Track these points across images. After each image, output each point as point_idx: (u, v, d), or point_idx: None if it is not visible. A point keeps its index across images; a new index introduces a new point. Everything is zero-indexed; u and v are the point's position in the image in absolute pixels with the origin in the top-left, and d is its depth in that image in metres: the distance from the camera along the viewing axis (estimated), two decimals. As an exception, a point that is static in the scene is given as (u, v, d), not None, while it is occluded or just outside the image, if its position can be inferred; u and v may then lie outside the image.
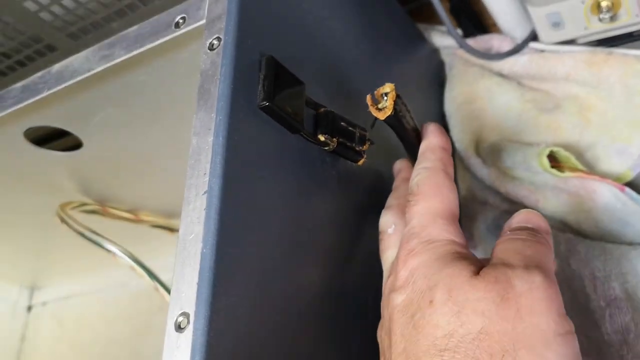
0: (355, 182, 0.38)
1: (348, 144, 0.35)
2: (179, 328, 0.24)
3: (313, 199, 0.33)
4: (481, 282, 0.27)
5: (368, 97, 0.33)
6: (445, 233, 0.31)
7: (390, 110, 0.33)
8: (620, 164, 0.48)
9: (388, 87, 0.33)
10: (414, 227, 0.31)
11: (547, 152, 0.46)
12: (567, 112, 0.51)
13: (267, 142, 0.30)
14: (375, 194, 0.39)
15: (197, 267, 0.25)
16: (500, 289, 0.26)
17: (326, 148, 0.34)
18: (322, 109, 0.35)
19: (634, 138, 0.48)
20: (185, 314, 0.25)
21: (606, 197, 0.45)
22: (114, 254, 0.49)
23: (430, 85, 0.57)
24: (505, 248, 0.30)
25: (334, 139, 0.34)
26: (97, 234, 0.49)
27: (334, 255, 0.34)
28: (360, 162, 0.36)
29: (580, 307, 0.42)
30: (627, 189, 0.44)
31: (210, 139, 0.28)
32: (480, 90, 0.55)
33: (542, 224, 0.31)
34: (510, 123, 0.52)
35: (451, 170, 0.34)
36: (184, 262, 0.26)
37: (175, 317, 0.25)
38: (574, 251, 0.44)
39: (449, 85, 0.57)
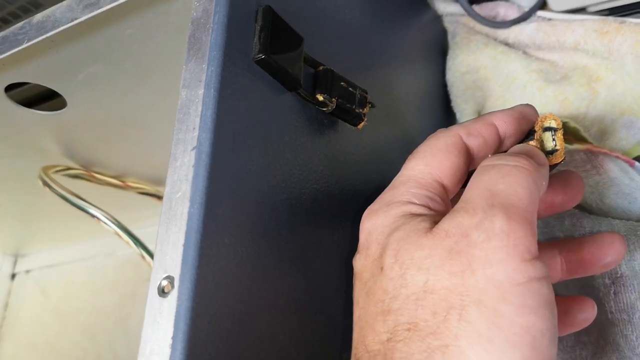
0: (354, 146, 0.35)
1: (348, 105, 0.33)
2: (162, 292, 0.23)
3: (308, 161, 0.31)
4: (429, 239, 0.25)
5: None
6: (408, 195, 0.28)
7: (562, 157, 0.30)
8: (628, 139, 0.46)
9: (552, 119, 0.30)
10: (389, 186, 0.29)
11: (554, 123, 0.44)
12: (575, 83, 0.49)
13: (262, 99, 0.28)
14: (373, 159, 0.37)
15: (184, 227, 0.23)
16: (451, 243, 0.24)
17: (324, 109, 0.32)
18: (322, 67, 0.32)
19: (643, 111, 0.46)
20: (170, 278, 0.23)
21: (614, 171, 0.44)
22: (98, 219, 0.46)
23: (432, 53, 0.54)
24: (476, 181, 0.26)
25: (333, 100, 0.32)
26: (81, 198, 0.47)
27: (326, 215, 0.32)
28: (360, 126, 0.34)
29: (583, 285, 0.40)
30: (637, 164, 0.43)
31: (201, 91, 0.26)
32: (484, 59, 0.52)
33: (541, 158, 0.28)
34: (515, 93, 0.50)
35: (473, 142, 0.30)
36: (169, 222, 0.24)
37: (158, 281, 0.23)
38: (578, 226, 0.42)
39: (451, 53, 0.55)
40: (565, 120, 0.44)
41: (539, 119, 0.31)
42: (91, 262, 0.74)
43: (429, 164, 0.29)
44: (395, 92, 0.43)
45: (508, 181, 0.25)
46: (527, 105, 0.33)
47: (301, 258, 0.29)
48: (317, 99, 0.31)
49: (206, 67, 0.26)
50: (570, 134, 0.45)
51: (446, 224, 0.25)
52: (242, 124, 0.26)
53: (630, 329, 0.39)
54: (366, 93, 0.34)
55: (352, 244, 0.32)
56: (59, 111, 0.46)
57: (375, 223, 0.27)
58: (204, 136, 0.25)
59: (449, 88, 0.53)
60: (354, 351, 0.25)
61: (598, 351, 0.40)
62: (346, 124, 0.34)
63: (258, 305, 0.25)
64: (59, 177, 0.50)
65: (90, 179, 0.54)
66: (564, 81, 0.50)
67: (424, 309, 0.23)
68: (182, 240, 0.23)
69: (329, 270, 0.31)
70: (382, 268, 0.25)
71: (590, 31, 0.48)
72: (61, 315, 0.74)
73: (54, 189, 0.47)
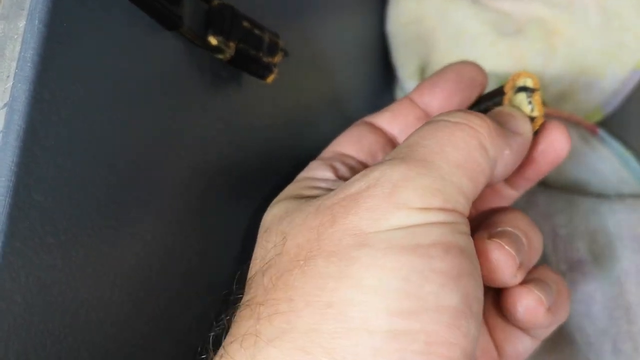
0: (264, 106, 0.28)
1: (252, 52, 0.25)
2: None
3: (196, 126, 0.24)
4: (306, 202, 0.21)
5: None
6: (308, 171, 0.25)
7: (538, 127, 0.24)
8: (588, 101, 0.41)
9: (528, 77, 0.24)
10: None
11: (508, 82, 0.37)
12: (531, 37, 0.43)
13: (121, 38, 0.20)
14: (292, 122, 0.30)
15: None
16: (326, 199, 0.20)
17: (220, 56, 0.25)
18: (217, 2, 0.25)
19: (607, 70, 0.40)
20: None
21: (572, 139, 0.38)
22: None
23: (370, -1, 0.47)
24: (407, 137, 0.22)
25: (232, 44, 0.24)
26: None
27: (219, 199, 0.25)
28: (270, 79, 0.27)
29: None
30: (600, 130, 0.37)
31: (22, 23, 0.18)
32: (429, 7, 0.45)
33: (517, 124, 0.23)
34: (463, 47, 0.43)
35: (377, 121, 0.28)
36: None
37: None
38: (532, 203, 0.36)
39: (392, 0, 0.48)
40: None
41: (511, 77, 0.25)
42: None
43: (332, 144, 0.27)
44: (323, 42, 0.35)
45: (439, 137, 0.21)
46: (465, 62, 0.28)
47: (175, 267, 0.22)
48: (210, 42, 0.24)
49: (32, -10, 0.18)
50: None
51: (340, 186, 0.21)
52: (84, 73, 0.19)
53: (587, 323, 0.34)
54: (277, 37, 0.27)
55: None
56: None
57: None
58: (20, 89, 0.17)
59: (388, 40, 0.46)
60: None
61: (549, 345, 0.35)
62: (252, 76, 0.27)
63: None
64: None
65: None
66: (518, 35, 0.43)
67: (268, 276, 0.19)
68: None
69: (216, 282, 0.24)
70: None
71: (550, -24, 0.42)
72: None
73: None
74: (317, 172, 0.25)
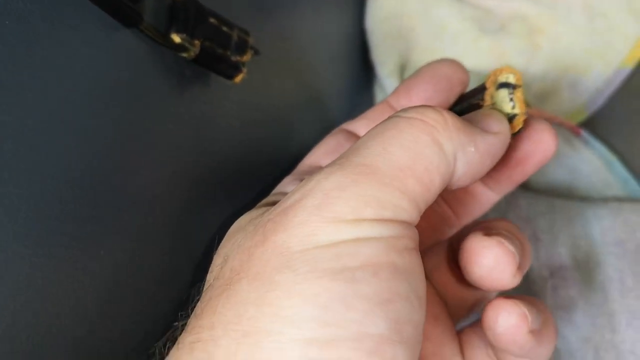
0: (232, 108, 0.27)
1: (219, 51, 0.24)
2: None
3: (158, 131, 0.22)
4: (249, 224, 0.20)
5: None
6: (280, 186, 0.25)
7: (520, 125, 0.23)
8: (572, 100, 0.40)
9: (511, 73, 0.23)
10: None
11: (489, 81, 0.36)
12: (514, 34, 0.42)
13: (72, 39, 0.19)
14: (264, 124, 0.29)
15: None
16: (262, 216, 0.19)
17: (184, 54, 0.23)
18: (181, -4, 0.23)
19: (591, 69, 0.39)
20: None
21: (555, 140, 0.37)
22: None
23: (350, -7, 0.46)
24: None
25: (196, 42, 0.23)
26: None
27: (185, 212, 0.23)
28: (238, 79, 0.25)
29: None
30: (583, 132, 0.36)
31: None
32: (410, 3, 0.44)
33: (490, 123, 0.21)
34: (445, 44, 0.42)
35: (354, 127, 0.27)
36: None
37: None
38: (514, 205, 0.35)
39: (373, -5, 0.46)
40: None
41: (493, 72, 0.23)
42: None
43: (307, 157, 0.26)
44: (298, 38, 0.34)
45: (385, 137, 0.19)
46: (442, 61, 0.26)
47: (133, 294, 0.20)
48: (172, 40, 0.22)
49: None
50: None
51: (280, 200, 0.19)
52: (31, 78, 0.17)
53: (569, 330, 0.33)
54: (247, 35, 0.25)
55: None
56: None
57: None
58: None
59: (367, 36, 0.45)
60: None
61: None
62: (219, 76, 0.25)
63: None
64: None
65: None
66: (501, 32, 0.42)
67: (201, 302, 0.18)
68: None
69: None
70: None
71: (535, -28, 0.41)
72: None
73: None
74: (287, 187, 0.24)
